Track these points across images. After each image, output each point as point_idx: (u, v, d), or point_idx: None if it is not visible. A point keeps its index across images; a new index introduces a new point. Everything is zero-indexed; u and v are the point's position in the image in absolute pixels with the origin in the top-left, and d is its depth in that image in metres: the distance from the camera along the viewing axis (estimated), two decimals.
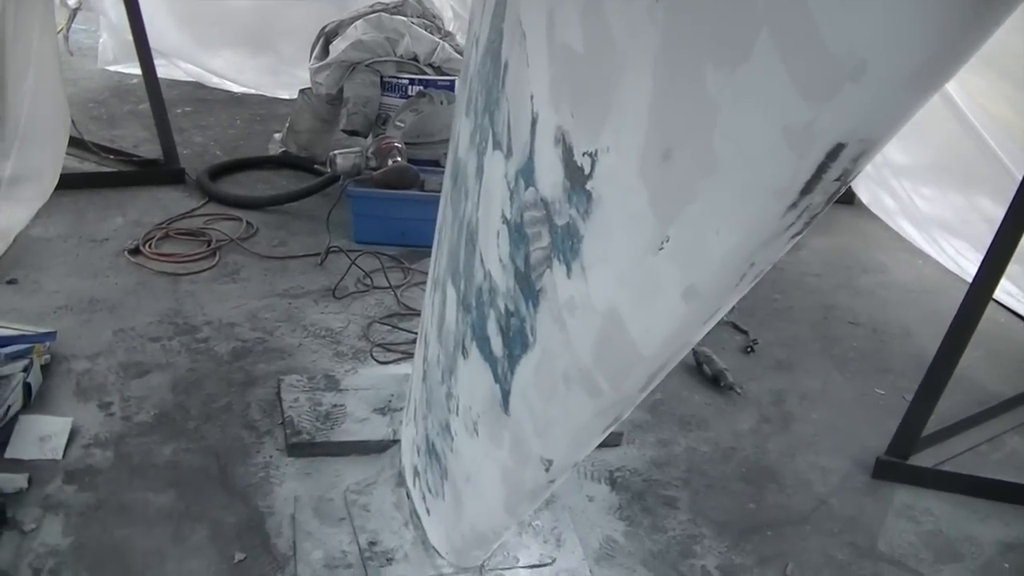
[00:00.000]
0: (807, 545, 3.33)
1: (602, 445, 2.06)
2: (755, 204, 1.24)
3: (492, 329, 2.09)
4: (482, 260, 2.14)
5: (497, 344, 2.07)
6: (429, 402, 2.72)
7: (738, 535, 3.33)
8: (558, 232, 1.71)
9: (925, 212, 5.72)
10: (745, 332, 4.57)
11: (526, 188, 1.84)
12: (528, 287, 1.86)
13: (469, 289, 2.25)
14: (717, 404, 4.05)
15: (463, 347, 2.31)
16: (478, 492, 2.42)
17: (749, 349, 4.47)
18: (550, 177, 1.73)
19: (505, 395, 2.07)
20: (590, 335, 1.66)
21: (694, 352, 4.13)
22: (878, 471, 3.69)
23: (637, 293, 1.51)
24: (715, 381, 4.14)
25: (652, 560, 3.17)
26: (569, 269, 1.68)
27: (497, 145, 2.03)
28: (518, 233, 1.89)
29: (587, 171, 1.58)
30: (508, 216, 1.94)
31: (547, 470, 2.00)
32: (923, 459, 3.72)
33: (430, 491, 2.81)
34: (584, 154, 1.58)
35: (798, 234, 1.23)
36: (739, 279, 1.33)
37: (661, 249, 1.40)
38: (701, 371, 4.18)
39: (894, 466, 3.68)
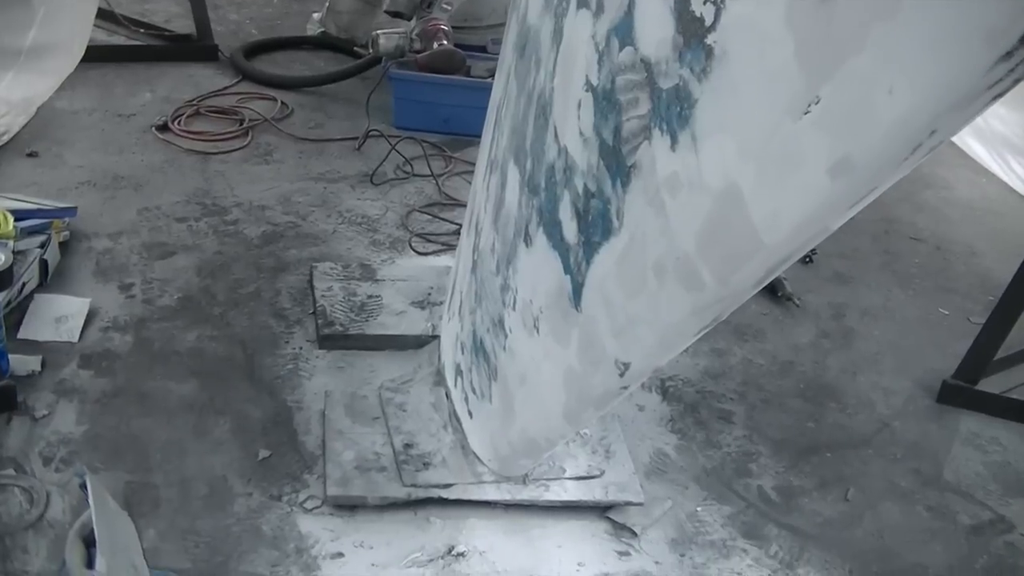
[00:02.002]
0: (868, 470, 3.14)
1: None
2: (951, 54, 0.98)
3: (565, 213, 1.86)
4: (556, 135, 1.90)
5: (571, 230, 1.84)
6: (479, 295, 2.51)
7: (796, 455, 3.14)
8: (662, 97, 1.46)
9: (997, 131, 5.42)
10: None
11: (621, 48, 1.59)
12: (617, 163, 1.62)
13: (537, 168, 2.01)
14: (774, 314, 3.83)
15: (526, 234, 2.08)
16: (534, 396, 2.21)
17: (807, 259, 4.23)
18: (655, 33, 1.47)
19: (577, 288, 1.85)
20: (696, 218, 1.42)
21: None
22: (943, 395, 3.49)
23: (767, 167, 1.26)
24: (772, 290, 3.90)
25: (705, 477, 2.99)
26: (674, 140, 1.43)
27: (583, 3, 1.77)
28: (607, 101, 1.64)
29: (709, 21, 1.32)
30: (595, 82, 1.69)
31: (622, 375, 1.78)
32: (991, 385, 3.51)
33: (474, 392, 2.62)
34: (707, 1, 1.32)
35: (1001, 95, 0.98)
36: (910, 151, 1.07)
37: (807, 113, 1.15)
38: None
39: (961, 390, 3.47)
